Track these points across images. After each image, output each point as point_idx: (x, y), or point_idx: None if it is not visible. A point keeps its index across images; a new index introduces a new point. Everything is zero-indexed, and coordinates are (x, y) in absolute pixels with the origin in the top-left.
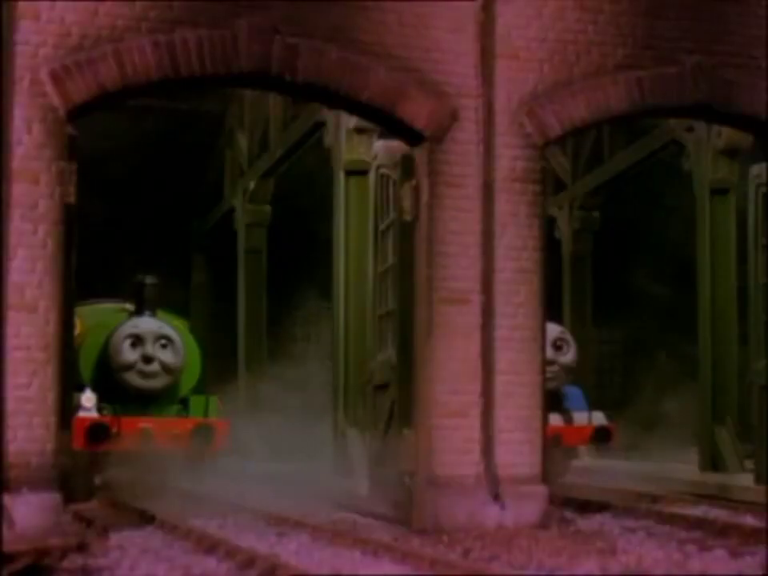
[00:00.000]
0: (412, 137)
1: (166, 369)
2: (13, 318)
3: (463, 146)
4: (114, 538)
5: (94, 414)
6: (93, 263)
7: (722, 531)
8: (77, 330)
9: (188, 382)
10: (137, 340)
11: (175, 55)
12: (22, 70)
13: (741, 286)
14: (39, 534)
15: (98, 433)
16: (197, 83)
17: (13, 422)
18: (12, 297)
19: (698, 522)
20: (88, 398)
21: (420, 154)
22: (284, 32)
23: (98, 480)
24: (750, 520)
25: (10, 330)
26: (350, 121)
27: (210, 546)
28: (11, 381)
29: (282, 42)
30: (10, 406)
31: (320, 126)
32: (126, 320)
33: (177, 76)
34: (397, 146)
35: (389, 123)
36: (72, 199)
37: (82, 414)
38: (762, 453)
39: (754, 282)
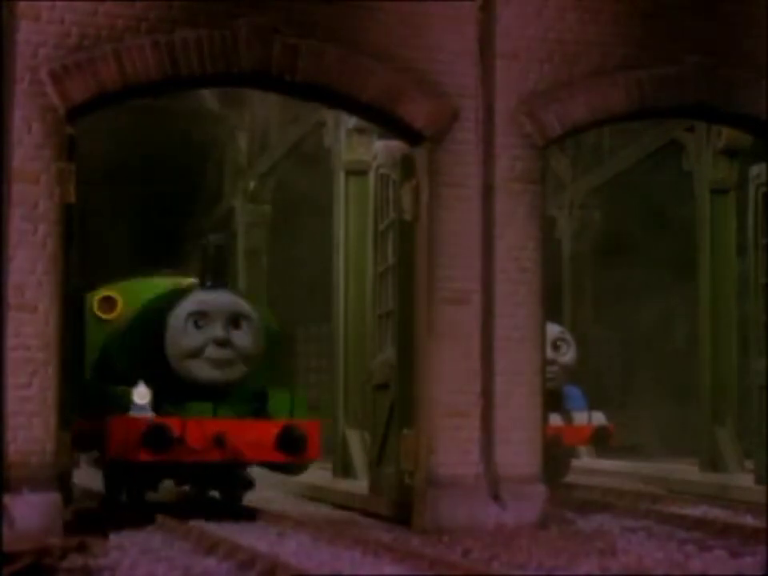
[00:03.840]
0: (412, 137)
1: (241, 356)
2: (13, 317)
3: (463, 146)
4: (114, 538)
5: (149, 414)
6: (92, 262)
7: (722, 531)
8: (116, 311)
9: (264, 372)
10: (203, 319)
11: (175, 55)
12: (22, 70)
13: (740, 285)
14: (39, 534)
15: (158, 438)
16: (197, 83)
17: (13, 422)
18: (12, 297)
19: (698, 522)
20: (141, 394)
21: (420, 154)
22: (284, 32)
23: (148, 496)
24: (750, 520)
25: (10, 329)
26: (350, 121)
27: (210, 545)
28: (11, 381)
29: (282, 42)
30: (10, 406)
31: (320, 126)
32: (188, 294)
33: (177, 76)
34: (397, 145)
35: (389, 123)
36: (72, 199)
37: (134, 413)
38: (761, 453)
39: (753, 282)
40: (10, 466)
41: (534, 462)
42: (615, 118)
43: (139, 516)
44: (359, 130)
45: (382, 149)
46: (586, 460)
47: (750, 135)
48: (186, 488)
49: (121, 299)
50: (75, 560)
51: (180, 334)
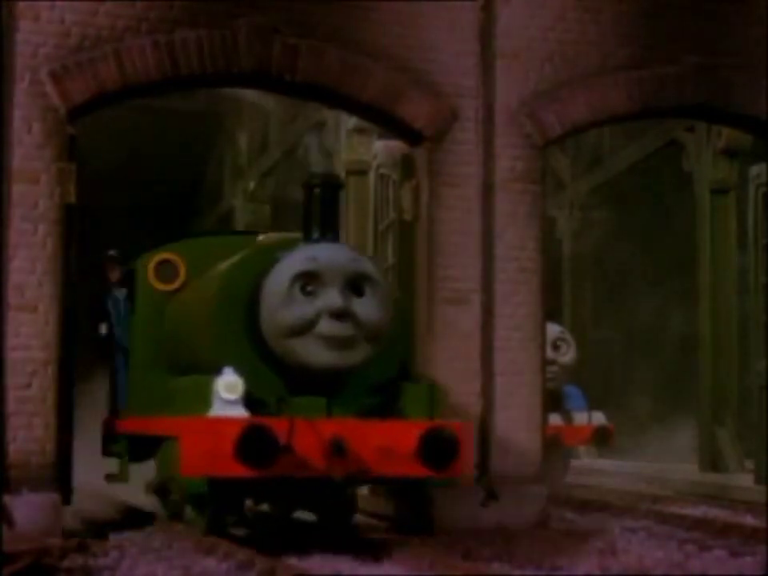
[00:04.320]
0: (412, 137)
1: (365, 332)
2: (13, 317)
3: (463, 146)
4: (114, 538)
5: (243, 413)
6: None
7: (722, 531)
8: (178, 279)
9: (393, 356)
10: (314, 282)
11: (175, 55)
12: (22, 70)
13: (741, 286)
14: (39, 534)
15: (259, 446)
16: (197, 83)
17: (13, 422)
18: (12, 297)
19: (698, 522)
20: (230, 385)
21: (420, 154)
22: (284, 32)
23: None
24: (750, 520)
25: (10, 329)
26: (350, 121)
27: (209, 546)
28: (11, 381)
29: (282, 42)
30: (10, 406)
31: (320, 126)
32: (291, 251)
33: (177, 76)
34: (397, 145)
35: (389, 123)
36: (72, 199)
37: (221, 411)
38: (761, 453)
39: (754, 282)
40: (10, 466)
41: (533, 461)
42: (615, 118)
43: (139, 516)
44: (359, 130)
45: (381, 149)
46: (586, 460)
47: (750, 135)
48: (266, 507)
49: (184, 264)
50: (75, 560)
51: (282, 303)
